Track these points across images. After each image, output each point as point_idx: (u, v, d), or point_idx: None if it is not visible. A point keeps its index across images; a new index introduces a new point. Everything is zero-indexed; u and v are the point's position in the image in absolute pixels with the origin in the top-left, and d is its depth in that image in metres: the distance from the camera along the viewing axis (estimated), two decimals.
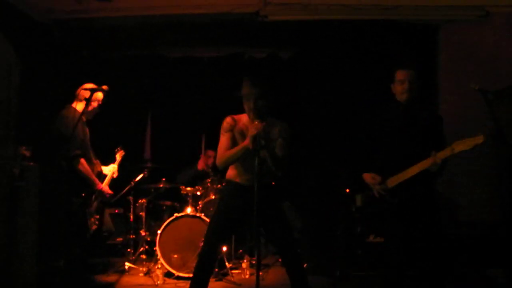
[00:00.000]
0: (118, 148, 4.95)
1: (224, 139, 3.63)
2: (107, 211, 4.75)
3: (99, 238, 4.20)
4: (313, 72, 5.93)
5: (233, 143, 3.59)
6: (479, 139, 3.17)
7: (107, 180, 4.49)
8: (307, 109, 5.91)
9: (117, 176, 4.68)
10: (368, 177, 3.58)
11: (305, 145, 5.84)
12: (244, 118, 3.63)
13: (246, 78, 3.62)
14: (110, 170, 4.64)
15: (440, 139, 3.46)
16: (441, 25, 5.60)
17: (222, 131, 3.66)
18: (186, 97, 6.65)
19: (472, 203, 5.36)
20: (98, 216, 4.15)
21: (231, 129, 3.62)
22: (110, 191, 4.37)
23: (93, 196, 4.22)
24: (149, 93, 6.73)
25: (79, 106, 4.19)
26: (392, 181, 3.48)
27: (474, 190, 5.36)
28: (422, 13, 5.41)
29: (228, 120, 3.65)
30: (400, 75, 3.54)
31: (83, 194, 4.04)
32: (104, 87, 3.92)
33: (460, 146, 3.23)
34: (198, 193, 5.49)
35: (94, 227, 4.16)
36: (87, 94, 3.97)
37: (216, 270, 4.91)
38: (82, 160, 4.02)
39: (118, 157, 4.88)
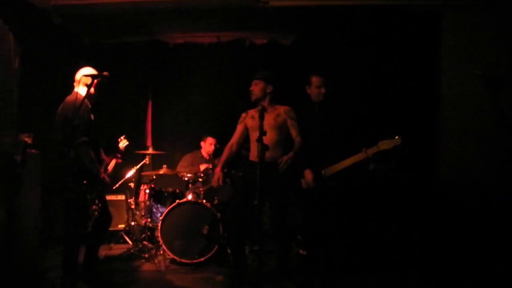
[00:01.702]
0: (122, 137, 4.94)
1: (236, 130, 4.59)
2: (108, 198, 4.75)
3: (100, 226, 4.20)
4: (314, 58, 5.88)
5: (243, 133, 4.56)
6: (397, 141, 4.11)
7: (109, 168, 4.47)
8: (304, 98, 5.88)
9: (119, 164, 4.67)
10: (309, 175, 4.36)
11: None
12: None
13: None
14: (112, 159, 4.58)
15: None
16: (444, 11, 5.52)
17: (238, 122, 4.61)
18: (187, 83, 6.63)
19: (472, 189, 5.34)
20: (100, 204, 4.15)
21: (242, 121, 4.54)
22: (109, 183, 4.31)
23: (96, 184, 4.20)
24: (150, 80, 6.71)
25: (82, 92, 4.13)
26: (331, 170, 4.41)
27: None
28: None
29: (242, 114, 4.56)
30: (317, 81, 4.53)
31: (85, 182, 4.03)
32: (105, 73, 3.89)
33: (383, 145, 4.19)
34: (200, 179, 5.50)
35: (96, 214, 4.15)
36: (88, 80, 3.95)
37: None
38: (87, 148, 3.98)
39: (121, 145, 4.88)
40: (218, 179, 4.41)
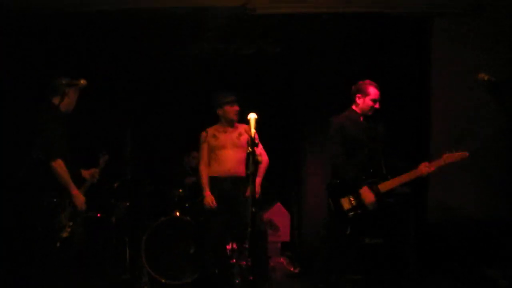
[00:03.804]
0: (103, 152, 4.61)
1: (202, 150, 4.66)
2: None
3: (69, 248, 3.88)
4: (302, 67, 5.71)
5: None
6: (464, 155, 3.87)
7: (86, 185, 4.13)
8: (296, 106, 5.70)
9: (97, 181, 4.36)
10: (368, 194, 3.88)
11: (299, 144, 5.65)
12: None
13: None
14: (90, 174, 4.26)
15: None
16: (433, 18, 5.44)
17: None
18: (169, 94, 6.35)
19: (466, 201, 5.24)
20: (71, 223, 3.85)
21: (205, 141, 4.62)
22: (83, 202, 3.94)
23: (67, 202, 3.89)
24: (130, 90, 6.40)
25: (58, 101, 3.87)
26: (384, 187, 3.92)
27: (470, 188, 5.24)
28: (413, 5, 5.27)
29: (202, 133, 4.65)
30: (375, 94, 4.05)
31: (55, 199, 3.74)
32: (83, 81, 3.65)
33: (450, 158, 3.88)
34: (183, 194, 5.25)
35: (65, 234, 3.85)
36: (66, 88, 3.71)
37: None
38: (60, 161, 3.71)
39: (102, 161, 4.49)
40: (212, 202, 4.42)
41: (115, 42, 5.64)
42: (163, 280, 4.74)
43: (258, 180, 4.51)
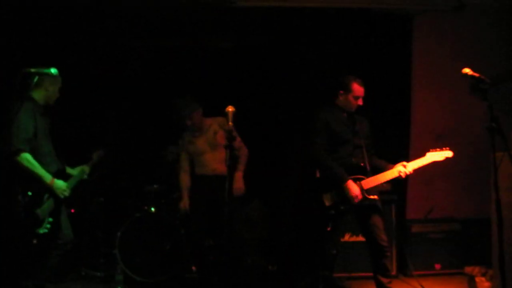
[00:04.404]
0: (97, 148, 4.38)
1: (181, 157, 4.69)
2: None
3: (51, 244, 3.72)
4: (283, 62, 5.63)
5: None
6: (449, 154, 3.87)
7: (72, 180, 3.92)
8: (277, 101, 5.61)
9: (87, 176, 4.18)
10: (353, 187, 3.76)
11: (279, 140, 5.56)
12: None
13: None
14: (79, 170, 4.09)
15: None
16: (415, 15, 5.42)
17: None
18: (147, 87, 6.19)
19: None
20: (50, 220, 3.70)
21: (183, 149, 4.65)
22: (63, 188, 3.74)
23: (45, 196, 3.74)
24: (110, 84, 6.21)
25: (36, 94, 3.74)
26: (367, 183, 3.82)
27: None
28: (395, 2, 5.23)
29: (179, 141, 4.67)
30: (358, 91, 3.93)
31: (30, 193, 3.57)
32: (53, 71, 3.48)
33: (434, 157, 3.86)
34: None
35: (43, 231, 3.68)
36: (37, 77, 3.58)
37: None
38: (26, 155, 3.55)
39: (95, 157, 4.29)
40: (186, 207, 4.56)
41: (94, 34, 5.50)
42: (138, 278, 4.60)
43: (239, 174, 4.44)
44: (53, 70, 3.53)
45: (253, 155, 4.71)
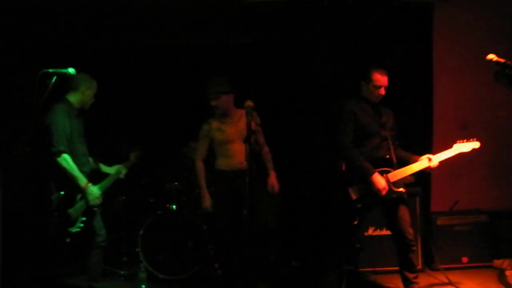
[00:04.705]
0: (135, 149, 4.51)
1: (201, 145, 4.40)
2: None
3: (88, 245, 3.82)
4: (302, 56, 5.56)
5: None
6: (476, 145, 3.85)
7: (108, 180, 4.09)
8: (298, 95, 5.55)
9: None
10: (380, 180, 3.71)
11: (302, 134, 5.49)
12: None
13: None
14: (116, 169, 4.25)
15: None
16: (435, 5, 5.31)
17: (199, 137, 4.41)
18: (167, 86, 6.19)
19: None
20: (84, 219, 3.81)
21: (207, 135, 4.34)
22: (95, 196, 3.89)
23: (78, 196, 3.83)
24: (126, 83, 6.24)
25: (72, 97, 3.94)
26: (394, 176, 3.77)
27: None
28: None
29: (204, 126, 4.36)
30: (377, 80, 3.88)
31: (62, 192, 3.72)
32: (71, 70, 3.47)
33: (461, 148, 3.83)
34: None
35: (76, 229, 3.78)
36: (74, 81, 3.82)
37: None
38: (66, 156, 3.72)
39: (133, 158, 4.42)
40: (209, 206, 4.31)
41: (112, 35, 5.53)
42: (161, 276, 4.60)
43: (274, 173, 4.33)
44: (71, 70, 3.54)
45: (277, 149, 4.62)
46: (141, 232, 4.70)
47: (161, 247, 4.70)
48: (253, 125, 3.67)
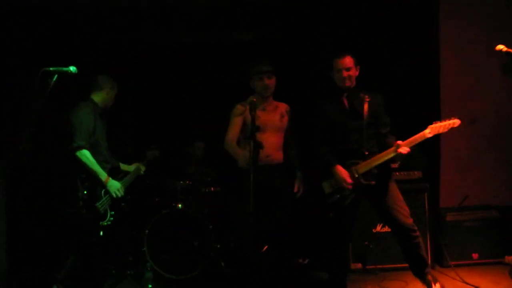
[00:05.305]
0: (151, 147, 4.65)
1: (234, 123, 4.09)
2: None
3: (113, 238, 3.87)
4: (305, 51, 5.50)
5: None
6: (455, 122, 3.48)
7: (128, 177, 4.28)
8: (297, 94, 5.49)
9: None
10: (342, 172, 3.66)
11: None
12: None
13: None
14: (135, 167, 4.41)
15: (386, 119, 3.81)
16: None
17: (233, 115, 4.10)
18: (172, 85, 6.16)
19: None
20: (113, 212, 3.94)
21: (242, 114, 4.06)
22: (117, 188, 4.01)
23: (102, 191, 3.94)
24: (128, 84, 6.20)
25: (96, 97, 4.07)
26: (362, 167, 3.66)
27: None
28: None
29: (238, 106, 4.10)
30: (337, 63, 3.73)
31: (87, 190, 3.80)
32: (72, 69, 3.42)
33: (436, 129, 3.48)
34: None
35: (107, 223, 3.92)
36: (97, 82, 4.00)
37: None
38: (86, 151, 3.81)
39: (150, 156, 4.59)
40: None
41: (118, 33, 5.55)
42: (167, 275, 4.57)
43: (299, 174, 4.22)
44: (73, 68, 3.51)
45: None
46: (147, 231, 4.67)
47: (167, 246, 4.68)
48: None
